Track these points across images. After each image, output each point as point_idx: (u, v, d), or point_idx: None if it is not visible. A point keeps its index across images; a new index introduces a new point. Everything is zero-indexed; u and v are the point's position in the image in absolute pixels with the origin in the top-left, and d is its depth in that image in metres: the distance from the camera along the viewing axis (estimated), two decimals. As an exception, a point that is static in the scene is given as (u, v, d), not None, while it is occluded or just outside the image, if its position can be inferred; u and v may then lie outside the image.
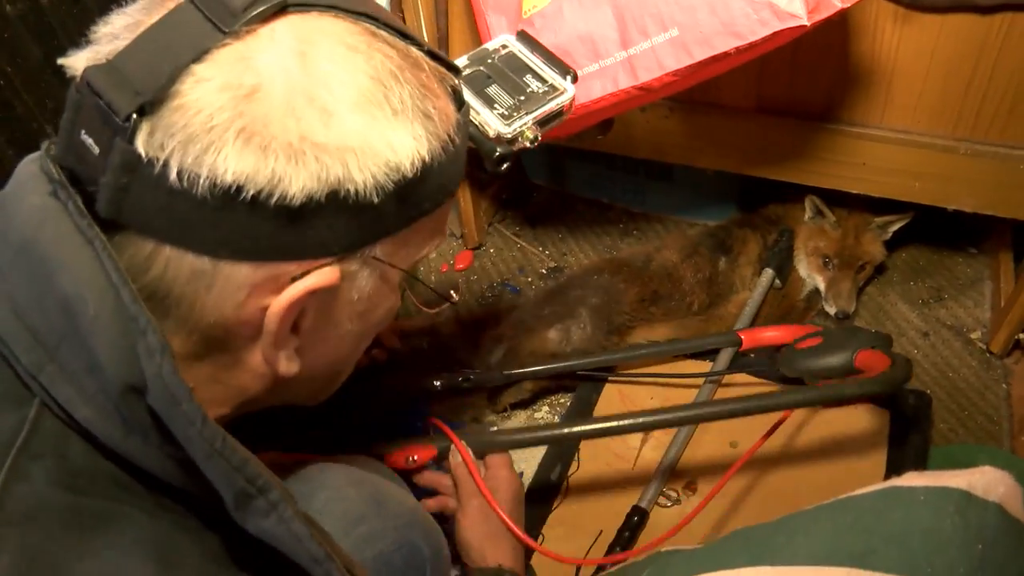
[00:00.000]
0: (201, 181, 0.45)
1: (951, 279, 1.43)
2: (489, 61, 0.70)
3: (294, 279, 0.51)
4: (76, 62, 0.49)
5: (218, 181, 0.45)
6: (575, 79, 0.70)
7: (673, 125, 1.25)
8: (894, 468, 1.10)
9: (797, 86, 1.15)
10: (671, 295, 1.32)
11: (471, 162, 1.55)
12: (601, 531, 1.09)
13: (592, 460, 1.18)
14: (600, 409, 1.26)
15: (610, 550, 1.04)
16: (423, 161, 0.52)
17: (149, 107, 0.46)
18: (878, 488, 0.59)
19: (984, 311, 1.36)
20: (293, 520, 0.51)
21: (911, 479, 0.58)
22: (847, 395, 1.04)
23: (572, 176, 1.64)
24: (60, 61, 0.50)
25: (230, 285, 0.50)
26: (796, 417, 1.19)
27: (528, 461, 1.23)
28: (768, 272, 1.34)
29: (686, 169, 1.42)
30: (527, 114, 0.67)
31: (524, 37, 0.71)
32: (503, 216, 1.64)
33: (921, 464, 1.10)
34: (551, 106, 0.68)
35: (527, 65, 0.70)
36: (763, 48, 0.82)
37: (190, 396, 0.47)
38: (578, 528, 1.10)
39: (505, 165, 0.69)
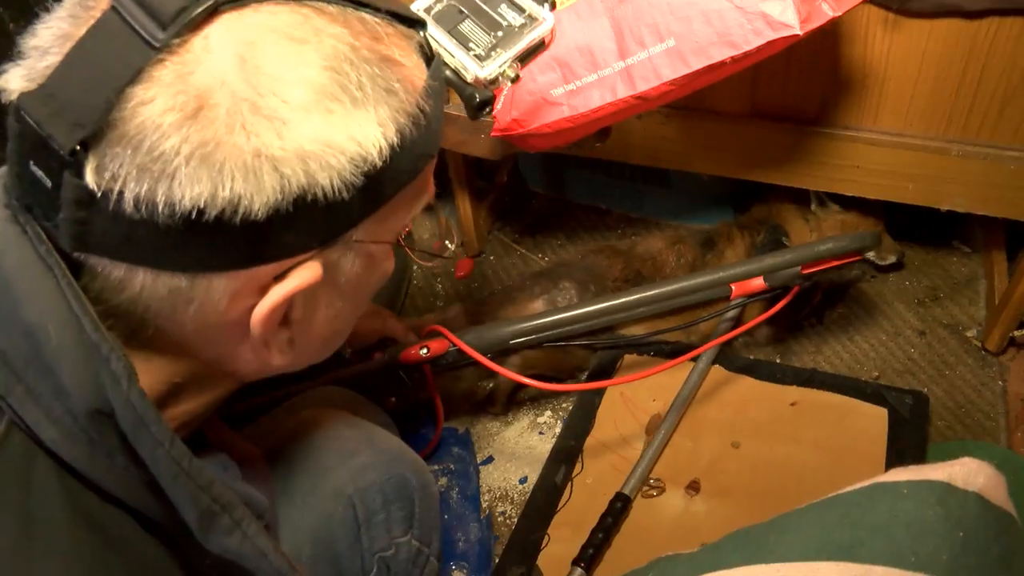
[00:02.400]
0: (160, 210, 0.44)
1: (946, 278, 1.45)
2: None
3: (277, 277, 0.50)
4: (9, 82, 0.47)
5: (177, 208, 0.44)
6: (553, 5, 0.65)
7: (669, 131, 1.27)
8: (893, 467, 1.12)
9: (791, 91, 1.17)
10: (653, 278, 1.35)
11: (472, 170, 1.56)
12: (606, 532, 1.11)
13: (595, 462, 1.20)
14: (603, 413, 1.28)
15: (592, 535, 1.07)
16: (392, 145, 0.49)
17: (91, 139, 0.44)
18: (864, 485, 0.61)
19: (979, 309, 1.38)
20: (257, 536, 0.51)
21: (895, 474, 0.61)
22: (821, 252, 1.14)
23: (570, 183, 1.66)
24: None
25: (210, 297, 0.49)
26: (796, 419, 1.21)
27: (532, 464, 1.25)
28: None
29: (683, 174, 1.44)
30: (506, 52, 0.62)
31: None
32: (503, 224, 1.66)
33: (919, 462, 1.12)
34: (530, 40, 0.63)
35: None
36: (757, 56, 0.84)
37: (158, 418, 0.47)
38: (582, 529, 1.11)
39: (487, 109, 0.64)
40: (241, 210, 0.45)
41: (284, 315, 0.52)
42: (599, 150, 1.25)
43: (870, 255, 1.41)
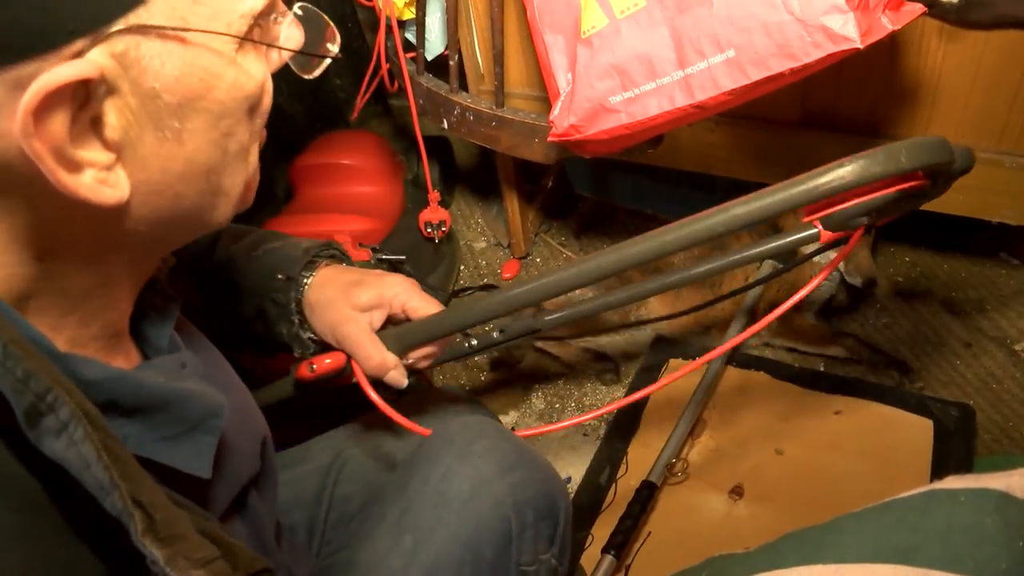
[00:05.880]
0: None
1: (993, 291, 1.44)
2: None
3: None
4: None
5: None
6: None
7: (718, 138, 1.28)
8: (938, 479, 1.12)
9: (842, 100, 1.17)
10: (659, 269, 1.37)
11: (520, 173, 1.56)
12: (650, 532, 1.12)
13: (640, 464, 1.21)
14: (648, 415, 1.29)
15: (621, 522, 1.09)
16: None
17: None
18: (920, 491, 0.62)
19: (1027, 322, 1.38)
20: (83, 442, 0.45)
21: (951, 482, 0.61)
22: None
23: (616, 187, 1.67)
24: None
25: None
26: (840, 427, 1.22)
27: (576, 466, 1.27)
28: (768, 262, 1.36)
29: (729, 180, 1.44)
30: None
31: None
32: (549, 227, 1.68)
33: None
34: None
35: None
36: (815, 68, 0.85)
37: None
38: (627, 530, 1.13)
39: None
40: None
41: (95, 132, 0.45)
42: (648, 155, 1.26)
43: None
